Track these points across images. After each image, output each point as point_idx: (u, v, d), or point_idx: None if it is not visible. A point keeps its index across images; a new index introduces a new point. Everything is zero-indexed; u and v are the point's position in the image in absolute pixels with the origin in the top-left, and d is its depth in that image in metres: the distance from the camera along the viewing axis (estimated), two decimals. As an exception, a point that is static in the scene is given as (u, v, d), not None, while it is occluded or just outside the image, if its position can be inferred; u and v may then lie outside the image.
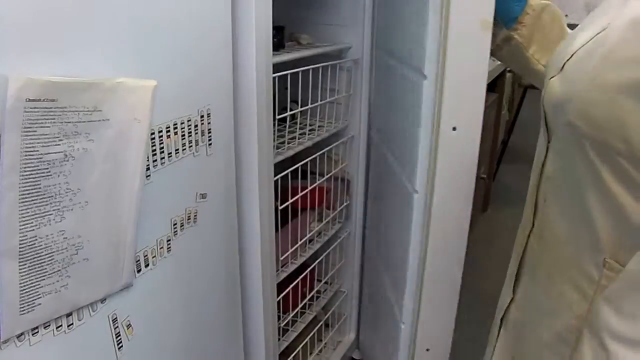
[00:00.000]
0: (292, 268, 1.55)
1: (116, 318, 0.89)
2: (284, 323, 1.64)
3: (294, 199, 1.46)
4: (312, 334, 1.79)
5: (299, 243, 1.58)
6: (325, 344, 2.01)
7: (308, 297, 1.77)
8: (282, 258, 1.47)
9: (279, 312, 1.46)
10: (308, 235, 1.65)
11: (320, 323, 1.87)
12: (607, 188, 0.63)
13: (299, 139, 1.49)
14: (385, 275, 1.69)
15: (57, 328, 0.78)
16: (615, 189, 0.62)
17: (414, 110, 1.25)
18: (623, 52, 0.60)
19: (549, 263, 0.78)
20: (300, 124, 1.51)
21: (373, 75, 1.75)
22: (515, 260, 0.90)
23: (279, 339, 1.52)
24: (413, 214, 1.31)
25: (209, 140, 1.04)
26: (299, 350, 1.71)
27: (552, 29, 1.09)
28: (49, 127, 0.69)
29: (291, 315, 1.65)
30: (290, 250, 1.52)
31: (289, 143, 1.45)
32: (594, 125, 0.63)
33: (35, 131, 0.67)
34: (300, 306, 1.72)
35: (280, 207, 1.40)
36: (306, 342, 1.76)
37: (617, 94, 0.59)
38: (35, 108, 0.66)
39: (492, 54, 1.12)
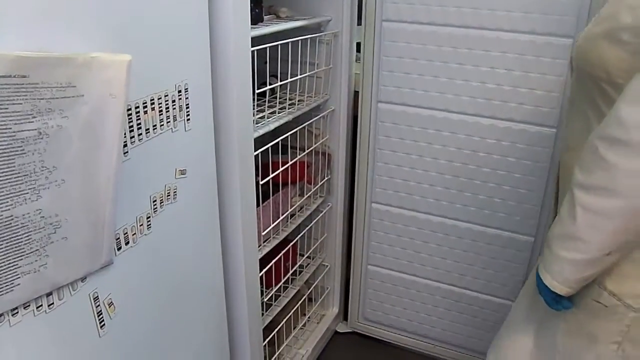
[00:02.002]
0: (274, 243, 1.55)
1: (97, 296, 0.89)
2: (267, 298, 1.65)
3: (275, 174, 1.45)
4: (295, 308, 1.80)
5: (281, 218, 1.58)
6: (309, 318, 2.03)
7: (291, 272, 1.78)
8: (264, 233, 1.47)
9: (262, 287, 1.46)
10: (290, 210, 1.65)
11: (304, 297, 1.88)
12: (597, 105, 0.91)
13: (278, 113, 1.48)
14: None
15: (37, 308, 0.78)
16: (602, 106, 0.90)
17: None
18: (603, 13, 0.91)
19: (570, 165, 0.98)
20: (280, 98, 1.50)
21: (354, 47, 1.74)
22: (554, 182, 1.13)
23: (262, 314, 1.53)
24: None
25: (187, 115, 1.03)
26: (282, 325, 1.72)
27: None
28: (21, 104, 0.67)
29: (274, 290, 1.66)
30: (272, 225, 1.52)
31: (268, 118, 1.44)
32: (588, 64, 0.93)
33: (6, 108, 0.65)
34: (283, 281, 1.72)
35: (261, 182, 1.39)
36: (290, 317, 1.77)
37: (598, 39, 0.89)
38: (5, 85, 0.64)
39: None
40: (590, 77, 0.92)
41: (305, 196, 1.75)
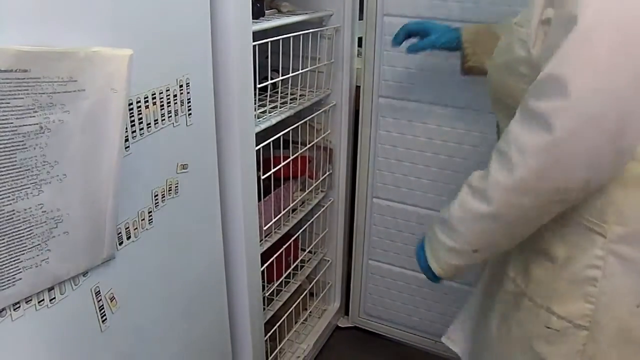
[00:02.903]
0: (275, 238, 1.55)
1: (99, 291, 0.89)
2: (269, 292, 1.65)
3: (276, 168, 1.45)
4: (297, 302, 1.81)
5: (282, 212, 1.58)
6: (310, 312, 2.03)
7: (292, 267, 1.78)
8: (265, 228, 1.47)
9: (263, 281, 1.46)
10: (291, 205, 1.65)
11: (305, 292, 1.88)
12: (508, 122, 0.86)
13: (280, 108, 1.48)
14: None
15: (39, 303, 0.78)
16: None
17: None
18: (501, 44, 0.96)
19: None
20: (281, 93, 1.49)
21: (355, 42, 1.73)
22: None
23: (264, 309, 1.53)
24: None
25: (189, 110, 1.02)
26: (284, 319, 1.73)
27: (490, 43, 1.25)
28: (22, 98, 0.67)
29: (276, 284, 1.67)
30: (274, 220, 1.52)
31: (270, 112, 1.44)
32: (497, 92, 0.98)
33: (8, 103, 0.65)
34: (284, 275, 1.73)
35: (262, 177, 1.39)
36: (291, 311, 1.77)
37: (502, 70, 0.94)
38: (7, 79, 0.64)
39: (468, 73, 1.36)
40: (499, 101, 0.99)
41: (307, 191, 1.75)
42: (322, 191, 1.88)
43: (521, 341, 0.96)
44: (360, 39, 1.77)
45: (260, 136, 1.30)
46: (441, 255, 0.98)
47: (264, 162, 1.35)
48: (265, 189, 1.44)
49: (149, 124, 0.92)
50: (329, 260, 2.07)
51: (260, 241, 1.41)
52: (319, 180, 1.81)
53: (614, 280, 0.86)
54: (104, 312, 0.91)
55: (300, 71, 1.51)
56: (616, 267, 0.86)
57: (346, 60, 1.73)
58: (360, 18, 1.74)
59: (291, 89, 1.51)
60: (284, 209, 1.59)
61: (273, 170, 1.44)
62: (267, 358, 1.62)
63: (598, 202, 0.84)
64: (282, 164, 1.51)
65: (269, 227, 1.50)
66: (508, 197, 0.83)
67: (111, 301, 0.92)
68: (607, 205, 0.84)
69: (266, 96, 1.48)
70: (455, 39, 1.34)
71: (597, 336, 0.88)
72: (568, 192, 0.81)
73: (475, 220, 0.89)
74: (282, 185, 1.59)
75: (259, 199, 1.36)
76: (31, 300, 0.76)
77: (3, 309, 0.72)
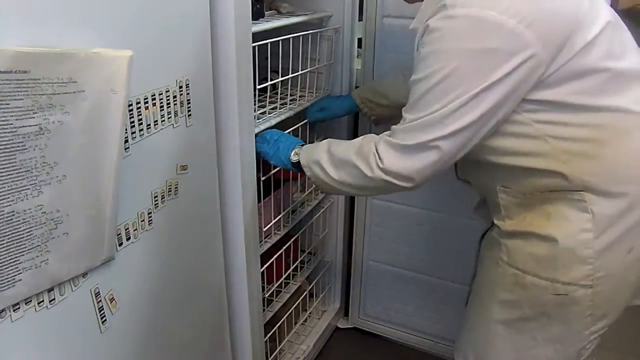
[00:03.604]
0: (275, 239, 1.55)
1: (99, 292, 0.89)
2: (269, 293, 1.65)
3: (276, 169, 1.45)
4: (296, 303, 1.80)
5: (282, 213, 1.58)
6: (310, 313, 2.03)
7: (292, 268, 1.78)
8: (265, 229, 1.47)
9: (263, 282, 1.46)
10: (291, 206, 1.65)
11: (305, 293, 1.88)
12: None
13: (280, 108, 1.48)
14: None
15: (38, 304, 0.78)
16: None
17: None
18: None
19: None
20: (281, 94, 1.49)
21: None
22: None
23: (263, 310, 1.53)
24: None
25: (189, 111, 1.02)
26: (284, 320, 1.72)
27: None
28: (22, 99, 0.67)
29: (275, 285, 1.66)
30: (274, 221, 1.52)
31: (270, 113, 1.44)
32: None
33: (8, 104, 0.65)
34: (284, 276, 1.73)
35: (262, 178, 1.39)
36: (291, 312, 1.77)
37: None
38: (6, 80, 0.64)
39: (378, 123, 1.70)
40: None
41: (307, 192, 1.75)
42: (322, 192, 1.88)
43: (537, 312, 1.06)
44: (359, 40, 1.77)
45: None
46: (307, 158, 1.20)
47: (263, 162, 1.35)
48: (265, 189, 1.44)
49: (149, 125, 0.92)
50: (328, 261, 2.07)
51: (259, 242, 1.41)
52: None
53: (604, 237, 0.98)
54: (104, 313, 0.91)
55: (300, 72, 1.51)
56: (604, 224, 0.98)
57: (346, 61, 1.73)
58: (360, 19, 1.74)
59: (291, 89, 1.51)
60: (283, 210, 1.59)
61: (273, 172, 1.44)
62: (267, 359, 1.62)
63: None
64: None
65: (268, 229, 1.50)
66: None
67: (111, 302, 0.92)
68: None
69: (266, 97, 1.47)
70: (353, 105, 1.66)
71: (601, 289, 1.00)
72: None
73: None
74: (282, 186, 1.59)
75: (259, 200, 1.36)
76: (31, 301, 0.76)
77: (3, 310, 0.72)
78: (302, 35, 1.48)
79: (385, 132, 1.07)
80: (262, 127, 1.33)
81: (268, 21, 1.35)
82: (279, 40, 1.33)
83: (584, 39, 0.92)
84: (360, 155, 1.07)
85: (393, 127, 1.05)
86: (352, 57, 1.76)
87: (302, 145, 1.27)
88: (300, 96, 1.59)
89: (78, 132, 0.75)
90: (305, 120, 1.60)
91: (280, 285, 1.73)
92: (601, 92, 0.94)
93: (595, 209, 0.98)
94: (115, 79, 0.78)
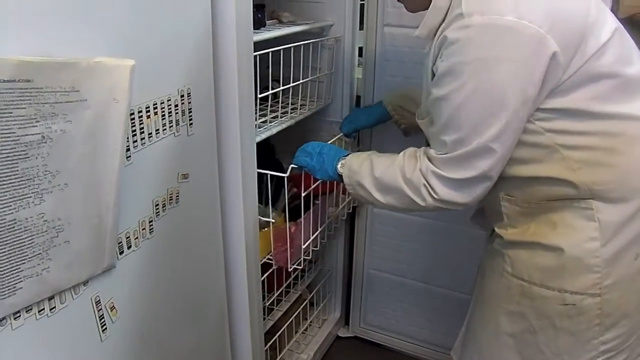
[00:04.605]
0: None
1: (99, 300, 0.89)
2: (269, 302, 1.64)
3: (316, 184, 1.43)
4: (297, 312, 1.80)
5: (320, 229, 1.57)
6: (310, 322, 2.03)
7: (293, 276, 1.77)
8: (304, 246, 1.47)
9: (263, 291, 1.46)
10: (327, 221, 1.64)
11: (306, 302, 1.88)
12: None
13: (281, 117, 1.48)
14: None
15: (39, 312, 0.78)
16: None
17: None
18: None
19: None
20: (282, 102, 1.50)
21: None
22: None
23: (264, 318, 1.52)
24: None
25: (190, 120, 1.03)
26: (284, 329, 1.72)
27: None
28: (25, 108, 0.67)
29: (276, 294, 1.66)
30: (312, 238, 1.51)
31: (271, 122, 1.44)
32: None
33: (11, 113, 0.66)
34: (285, 285, 1.72)
35: (303, 194, 1.41)
36: (291, 321, 1.77)
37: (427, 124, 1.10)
38: (10, 89, 0.65)
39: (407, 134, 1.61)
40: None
41: (341, 206, 1.73)
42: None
43: (544, 324, 1.05)
44: (360, 49, 1.77)
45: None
46: (357, 190, 1.16)
47: (294, 179, 1.34)
48: (295, 207, 1.43)
49: (150, 133, 0.93)
50: (329, 270, 2.07)
51: (300, 260, 1.43)
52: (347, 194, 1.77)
53: (611, 244, 0.98)
54: (104, 321, 0.91)
55: (301, 81, 1.52)
56: (610, 231, 0.97)
57: (346, 70, 1.73)
58: (361, 28, 1.74)
59: (292, 98, 1.51)
60: (320, 226, 1.58)
61: (313, 187, 1.43)
62: (267, 368, 1.62)
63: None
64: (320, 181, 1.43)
65: (307, 246, 1.50)
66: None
67: (111, 310, 0.92)
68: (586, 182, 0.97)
69: (267, 106, 1.48)
70: (383, 113, 1.60)
71: (609, 297, 0.99)
72: None
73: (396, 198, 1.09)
74: (319, 201, 1.58)
75: (299, 217, 1.37)
76: (32, 309, 0.76)
77: (3, 318, 0.72)
78: (303, 44, 1.48)
79: (424, 153, 1.05)
80: (264, 135, 1.33)
81: (269, 30, 1.36)
82: (280, 50, 1.34)
83: (597, 42, 0.91)
84: (410, 185, 1.04)
85: (433, 153, 1.02)
86: (352, 66, 1.76)
87: (347, 156, 1.23)
88: (301, 105, 1.59)
89: (80, 141, 0.76)
90: (341, 134, 1.62)
91: (280, 294, 1.73)
92: (613, 98, 0.94)
93: (601, 216, 0.97)
94: (118, 88, 0.79)
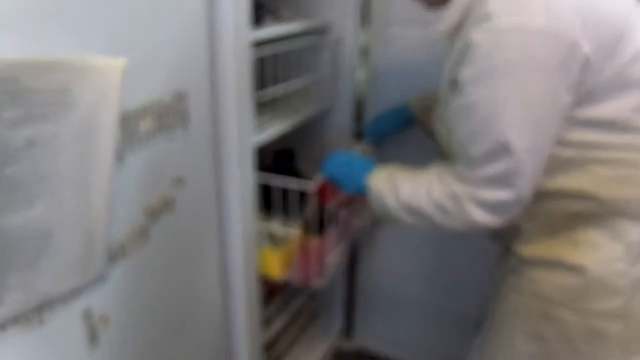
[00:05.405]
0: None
1: (90, 311, 0.86)
2: (269, 313, 1.62)
3: (341, 196, 1.38)
4: (297, 323, 1.78)
5: (344, 244, 1.53)
6: (311, 334, 2.00)
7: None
8: (331, 262, 1.44)
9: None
10: (352, 233, 1.61)
11: (306, 313, 1.85)
12: None
13: (280, 119, 1.45)
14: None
15: (27, 323, 0.75)
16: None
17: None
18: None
19: None
20: (281, 104, 1.47)
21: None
22: None
23: (263, 329, 1.50)
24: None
25: (185, 122, 1.00)
26: (284, 341, 1.70)
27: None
28: (13, 110, 0.65)
29: (276, 304, 1.63)
30: (337, 253, 1.48)
31: (269, 124, 1.41)
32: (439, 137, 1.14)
33: (-1, 114, 0.63)
34: (285, 295, 1.69)
35: (327, 207, 1.37)
36: (292, 333, 1.74)
37: (436, 120, 1.14)
38: (-3, 90, 0.62)
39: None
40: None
41: (364, 219, 1.69)
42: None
43: (565, 348, 1.00)
44: (364, 50, 1.75)
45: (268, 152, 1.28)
46: (384, 202, 1.09)
47: (320, 192, 1.30)
48: (315, 220, 1.39)
49: (144, 136, 0.90)
50: (331, 281, 2.04)
51: (322, 277, 1.39)
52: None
53: (638, 265, 0.93)
54: (95, 332, 0.88)
55: (301, 82, 1.49)
56: (637, 251, 0.93)
57: (348, 72, 1.71)
58: (366, 27, 1.72)
59: (291, 100, 1.49)
60: (345, 240, 1.54)
61: (339, 199, 1.39)
62: (266, 381, 1.59)
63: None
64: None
65: (333, 258, 1.47)
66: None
67: (103, 321, 0.89)
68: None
69: (265, 108, 1.45)
70: (407, 116, 1.52)
71: (631, 320, 0.95)
72: None
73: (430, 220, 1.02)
74: (345, 213, 1.54)
75: (323, 232, 1.35)
76: (19, 320, 0.73)
77: (-11, 330, 0.70)
78: (303, 44, 1.46)
79: (452, 174, 0.99)
80: (262, 137, 1.31)
81: (268, 30, 1.33)
82: (278, 50, 1.32)
83: (635, 47, 0.87)
84: (443, 211, 0.99)
85: (462, 172, 0.96)
86: (354, 67, 1.73)
87: (374, 170, 1.16)
88: (301, 107, 1.56)
89: (70, 144, 0.73)
90: (363, 141, 1.59)
91: (280, 305, 1.70)
92: None
93: (627, 235, 0.93)
94: (109, 88, 0.76)
